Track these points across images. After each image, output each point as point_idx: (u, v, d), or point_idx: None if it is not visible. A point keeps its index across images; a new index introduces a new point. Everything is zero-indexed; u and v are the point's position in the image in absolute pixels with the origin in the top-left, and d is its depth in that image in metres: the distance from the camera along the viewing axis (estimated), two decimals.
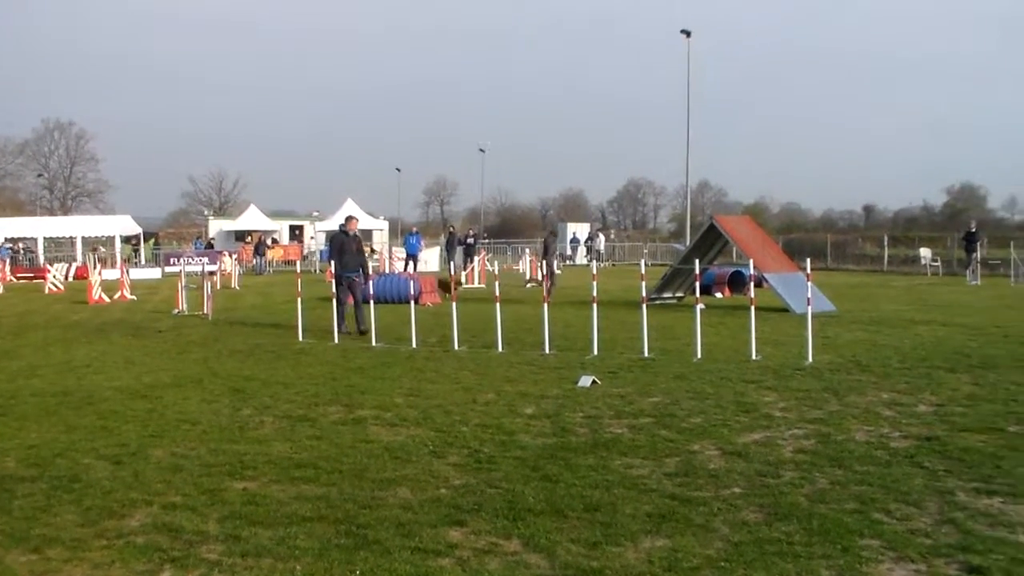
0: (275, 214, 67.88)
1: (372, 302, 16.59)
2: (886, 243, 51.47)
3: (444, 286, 24.77)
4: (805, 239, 63.80)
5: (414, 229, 51.16)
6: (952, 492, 6.63)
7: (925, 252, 46.01)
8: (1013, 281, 32.74)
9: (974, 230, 37.33)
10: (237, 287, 33.53)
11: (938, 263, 43.02)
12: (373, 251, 52.67)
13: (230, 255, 43.05)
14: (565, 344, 15.09)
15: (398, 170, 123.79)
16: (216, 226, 63.93)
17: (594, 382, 11.30)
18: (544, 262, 25.74)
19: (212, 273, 29.73)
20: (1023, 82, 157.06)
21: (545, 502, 6.46)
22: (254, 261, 48.08)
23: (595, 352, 13.93)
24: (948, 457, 7.60)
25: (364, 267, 18.12)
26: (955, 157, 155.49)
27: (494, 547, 5.62)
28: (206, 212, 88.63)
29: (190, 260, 42.93)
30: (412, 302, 16.73)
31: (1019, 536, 5.69)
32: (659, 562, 5.31)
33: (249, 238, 54.45)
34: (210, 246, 53.70)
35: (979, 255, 37.17)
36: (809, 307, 13.74)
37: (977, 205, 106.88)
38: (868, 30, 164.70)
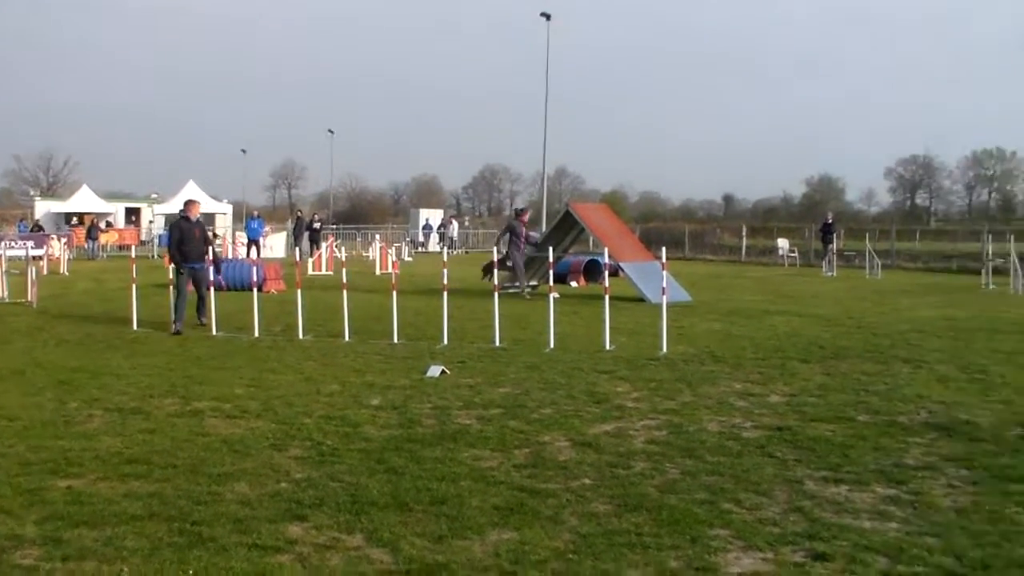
0: (110, 195, 65.67)
1: (212, 289, 15.99)
2: (744, 233, 52.47)
3: (487, 269, 24.38)
4: (663, 228, 64.66)
5: (255, 213, 49.87)
6: (801, 481, 6.67)
7: (782, 243, 47.05)
8: (868, 273, 33.89)
9: (831, 221, 38.42)
10: (66, 273, 32.02)
11: (795, 254, 43.99)
12: (216, 236, 51.42)
13: (59, 239, 41.25)
14: (414, 333, 14.85)
15: (243, 151, 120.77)
16: (43, 207, 61.43)
17: (443, 372, 11.11)
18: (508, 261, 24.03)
19: (38, 258, 28.34)
20: (884, 77, 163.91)
21: (390, 495, 6.24)
22: (86, 245, 46.13)
23: (445, 341, 13.75)
24: (798, 447, 7.67)
25: (212, 257, 16.86)
26: (815, 149, 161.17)
27: (336, 542, 5.37)
28: (32, 192, 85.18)
29: (12, 244, 40.77)
30: (255, 289, 16.18)
31: (863, 522, 5.75)
32: (506, 555, 5.15)
33: (76, 220, 52.38)
34: (38, 229, 51.28)
35: (835, 247, 38.27)
36: (664, 297, 13.82)
37: (835, 197, 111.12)
38: (731, 19, 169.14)
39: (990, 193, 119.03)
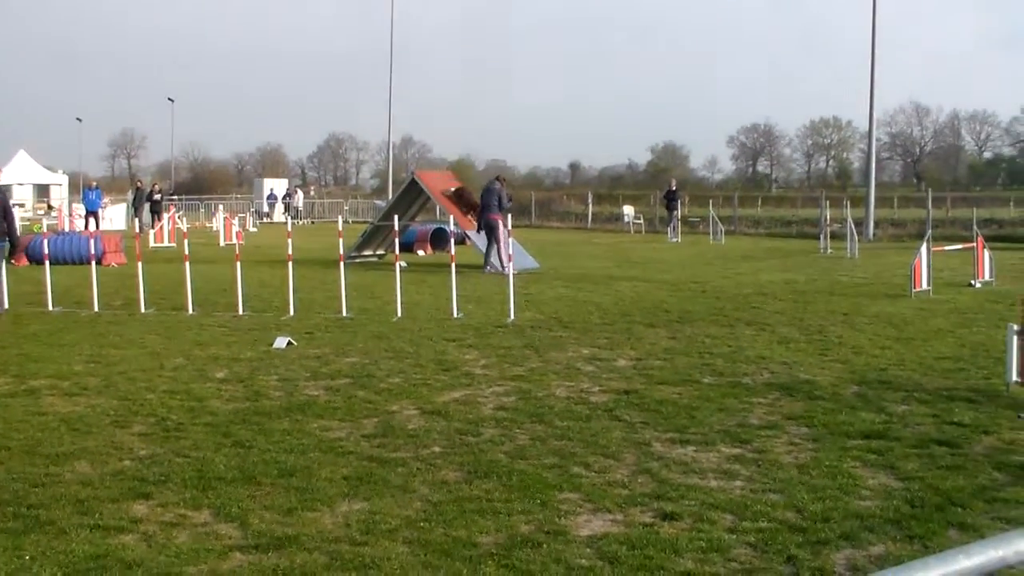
0: None
1: (48, 263, 15.36)
2: (591, 201, 52.99)
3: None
4: (510, 196, 64.92)
5: (93, 183, 47.76)
6: (648, 443, 6.85)
7: (628, 210, 47.86)
8: (712, 239, 34.80)
9: (675, 188, 39.22)
10: None
11: (641, 221, 44.82)
12: (51, 208, 49.44)
13: None
14: (260, 305, 14.64)
15: (79, 120, 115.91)
16: None
17: (290, 343, 11.00)
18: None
19: None
20: (728, 48, 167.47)
21: (237, 469, 6.17)
22: None
23: (291, 312, 13.58)
24: (645, 409, 7.86)
25: (11, 235, 14.52)
26: (660, 117, 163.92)
27: (182, 519, 5.29)
28: None
29: None
30: (94, 263, 15.64)
31: (710, 482, 5.96)
32: (356, 525, 5.17)
33: None
34: None
35: (680, 213, 39.12)
36: (511, 264, 13.93)
37: (680, 164, 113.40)
38: None
39: (827, 161, 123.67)
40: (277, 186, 63.67)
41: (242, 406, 8.03)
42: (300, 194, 60.18)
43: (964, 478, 5.94)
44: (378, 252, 24.83)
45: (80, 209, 41.68)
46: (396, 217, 16.04)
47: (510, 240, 14.41)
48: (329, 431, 7.20)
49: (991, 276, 18.00)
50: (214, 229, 37.40)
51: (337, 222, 15.84)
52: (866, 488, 5.78)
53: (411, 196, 23.84)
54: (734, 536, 5.00)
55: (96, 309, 14.11)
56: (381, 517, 5.29)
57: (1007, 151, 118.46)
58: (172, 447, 6.75)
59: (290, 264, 14.11)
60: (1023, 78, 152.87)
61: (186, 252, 14.87)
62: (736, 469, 6.21)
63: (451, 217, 15.93)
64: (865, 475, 6.03)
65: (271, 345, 10.95)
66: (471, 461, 6.38)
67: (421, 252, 26.48)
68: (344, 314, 13.49)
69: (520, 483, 5.87)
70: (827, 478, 5.96)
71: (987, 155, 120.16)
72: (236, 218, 36.61)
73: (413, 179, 23.58)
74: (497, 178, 22.40)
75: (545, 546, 4.87)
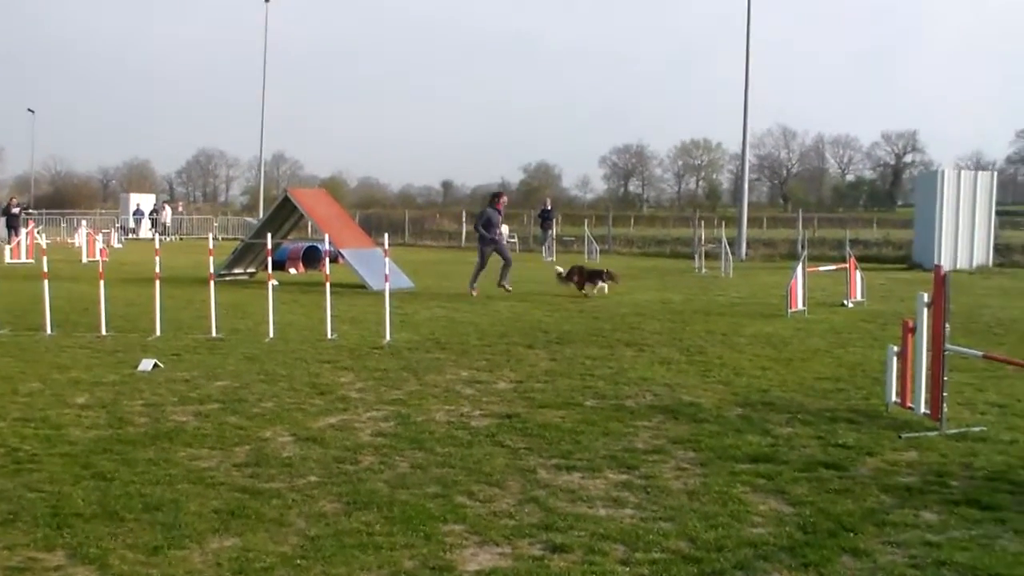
0: None
1: None
2: (464, 219, 52.97)
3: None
4: (383, 215, 64.92)
5: None
6: (533, 470, 6.62)
7: (503, 229, 47.85)
8: (587, 258, 34.95)
9: (549, 208, 39.32)
10: None
11: (515, 240, 44.94)
12: None
13: None
14: (125, 325, 14.00)
15: None
16: None
17: (156, 366, 10.49)
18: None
19: None
20: (600, 70, 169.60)
21: (97, 504, 5.72)
22: None
23: (158, 333, 13.01)
24: (528, 434, 7.64)
25: None
26: (531, 138, 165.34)
27: (32, 563, 4.83)
28: None
29: None
30: None
31: (598, 510, 5.74)
32: (228, 564, 4.81)
33: None
34: None
35: (554, 232, 39.24)
36: (387, 284, 13.64)
37: (552, 183, 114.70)
38: (446, 9, 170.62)
39: (697, 182, 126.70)
40: (144, 201, 62.52)
41: (104, 434, 7.53)
42: (168, 210, 58.92)
43: (853, 501, 5.88)
44: (249, 270, 24.27)
45: None
46: (269, 235, 15.60)
47: (386, 260, 14.08)
48: (198, 460, 6.78)
49: (862, 296, 18.41)
50: (76, 245, 36.07)
51: (207, 239, 15.29)
52: (757, 514, 5.65)
53: (284, 214, 23.39)
54: (627, 568, 4.80)
55: None
56: (255, 554, 4.94)
57: (868, 174, 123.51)
58: (23, 480, 6.23)
59: (157, 282, 13.52)
60: (883, 104, 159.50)
61: (44, 269, 14.12)
62: (625, 496, 6.02)
63: (326, 236, 15.49)
64: (755, 500, 5.92)
65: (136, 368, 10.41)
66: (350, 491, 6.06)
67: (293, 270, 25.92)
68: (214, 335, 12.98)
69: (402, 514, 5.57)
70: (718, 504, 5.82)
71: (849, 178, 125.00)
72: (100, 234, 35.37)
73: (286, 196, 23.14)
74: (493, 201, 20.78)
75: None
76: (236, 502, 5.80)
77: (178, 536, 5.20)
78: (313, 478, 6.37)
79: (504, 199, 21.07)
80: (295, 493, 6.01)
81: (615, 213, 57.47)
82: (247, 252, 23.80)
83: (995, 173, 32.02)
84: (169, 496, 5.90)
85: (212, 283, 13.75)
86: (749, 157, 40.34)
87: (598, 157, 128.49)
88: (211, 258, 14.35)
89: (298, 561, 4.87)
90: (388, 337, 12.83)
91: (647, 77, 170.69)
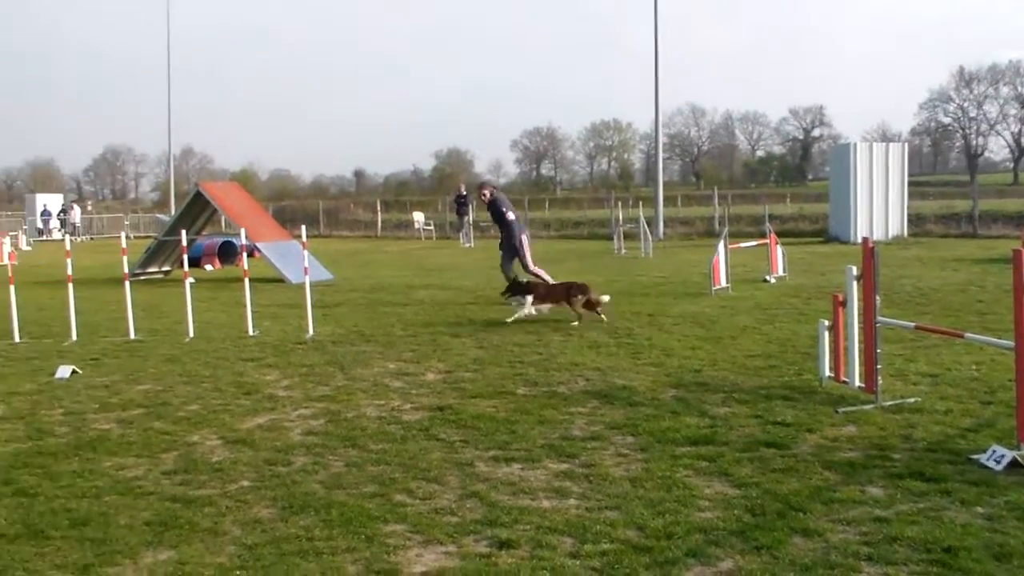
0: None
1: None
2: (379, 208, 52.76)
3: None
4: (297, 206, 64.47)
5: None
6: (471, 463, 6.49)
7: (419, 216, 47.66)
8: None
9: (464, 194, 39.12)
10: None
11: (431, 227, 44.70)
12: None
13: None
14: (39, 331, 13.58)
15: None
16: None
17: (74, 372, 10.17)
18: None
19: None
20: (509, 52, 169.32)
21: (21, 523, 5.47)
22: None
23: (74, 337, 12.64)
24: (463, 426, 7.51)
25: None
26: (443, 122, 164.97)
27: None
28: None
29: None
30: None
31: (542, 502, 5.64)
32: None
33: None
34: None
35: (471, 218, 39.06)
36: (307, 276, 13.41)
37: (465, 169, 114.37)
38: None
39: (609, 163, 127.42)
40: (51, 202, 61.08)
41: (23, 447, 7.24)
42: (77, 209, 57.84)
43: (798, 480, 5.86)
44: (164, 268, 23.79)
45: None
46: (183, 231, 15.24)
47: (304, 252, 13.85)
48: (125, 470, 6.55)
49: (784, 271, 18.60)
50: None
51: (120, 238, 14.87)
52: (703, 498, 5.60)
53: (196, 209, 22.96)
54: (577, 562, 4.71)
55: None
56: (191, 567, 4.76)
57: (777, 150, 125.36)
58: None
59: (70, 284, 13.12)
60: (791, 80, 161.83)
61: None
62: (567, 487, 5.92)
63: (241, 230, 15.12)
64: (700, 484, 5.87)
65: (53, 375, 10.07)
66: (284, 495, 5.89)
67: (209, 267, 25.44)
68: (132, 337, 12.65)
69: (341, 517, 5.42)
70: (662, 490, 5.75)
71: (760, 154, 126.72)
72: (7, 237, 34.33)
73: (198, 191, 22.70)
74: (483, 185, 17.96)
75: None
76: (168, 512, 5.60)
77: (109, 552, 5.00)
78: (245, 483, 6.19)
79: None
80: (228, 500, 5.83)
81: (530, 197, 57.50)
82: (161, 250, 23.34)
83: (905, 145, 32.53)
84: (97, 510, 5.68)
85: (127, 283, 13.39)
86: (661, 136, 40.51)
87: (510, 141, 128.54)
88: (125, 257, 13.98)
89: (236, 572, 4.71)
90: (311, 331, 12.62)
91: (556, 57, 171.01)
